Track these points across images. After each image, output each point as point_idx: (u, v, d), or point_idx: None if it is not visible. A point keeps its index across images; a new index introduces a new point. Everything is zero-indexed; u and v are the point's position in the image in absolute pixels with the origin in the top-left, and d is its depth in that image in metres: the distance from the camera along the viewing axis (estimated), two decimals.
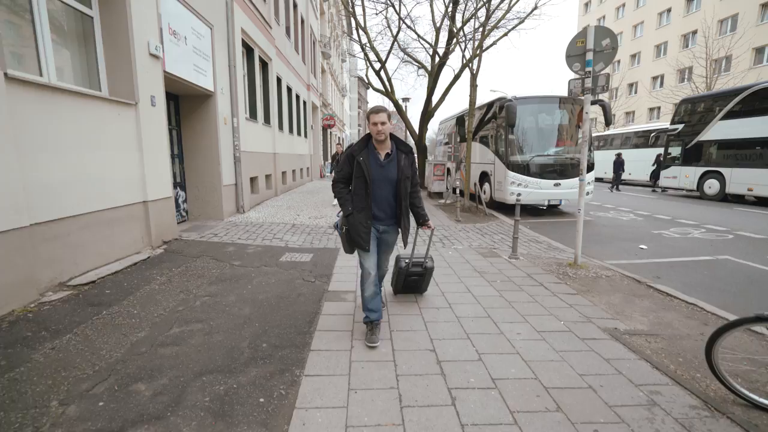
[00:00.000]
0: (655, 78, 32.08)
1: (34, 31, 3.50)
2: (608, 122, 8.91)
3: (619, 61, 36.51)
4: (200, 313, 3.13)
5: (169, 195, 5.40)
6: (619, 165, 16.36)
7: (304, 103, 16.90)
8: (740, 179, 11.57)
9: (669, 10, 30.85)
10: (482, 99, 11.32)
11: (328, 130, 25.60)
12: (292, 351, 2.58)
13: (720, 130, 12.11)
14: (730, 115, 11.76)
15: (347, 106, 46.64)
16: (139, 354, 2.48)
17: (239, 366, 2.37)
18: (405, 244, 2.88)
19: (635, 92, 34.15)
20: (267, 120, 10.45)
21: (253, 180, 9.15)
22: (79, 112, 3.79)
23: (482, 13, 10.43)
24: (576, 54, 4.50)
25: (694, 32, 27.69)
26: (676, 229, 7.65)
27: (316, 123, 20.58)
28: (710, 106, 12.66)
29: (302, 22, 16.36)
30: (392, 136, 2.68)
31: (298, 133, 15.45)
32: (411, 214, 2.86)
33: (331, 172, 8.20)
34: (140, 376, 2.23)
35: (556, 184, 8.93)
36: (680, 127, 13.76)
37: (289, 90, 13.65)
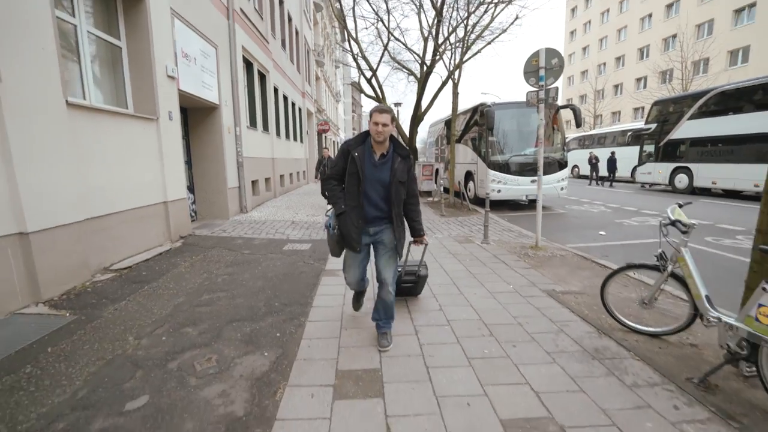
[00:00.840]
0: (638, 79, 33.25)
1: (79, 61, 4.30)
2: (578, 124, 9.73)
3: (604, 64, 37.79)
4: (223, 286, 3.91)
5: (184, 196, 6.18)
6: (612, 163, 17.36)
7: (300, 109, 17.72)
8: (706, 174, 12.49)
9: (650, 15, 32.08)
10: (472, 102, 12.22)
11: (323, 135, 26.42)
12: (298, 307, 3.37)
13: (688, 129, 13.05)
14: (696, 115, 12.70)
15: (341, 110, 47.54)
16: (182, 311, 3.26)
17: (259, 316, 3.16)
18: (400, 255, 2.66)
19: (620, 93, 35.31)
20: (266, 128, 11.26)
21: (254, 183, 9.93)
22: (114, 128, 4.58)
23: (463, 28, 11.34)
24: (531, 71, 5.35)
25: (674, 36, 28.88)
26: (637, 218, 8.51)
27: (311, 128, 21.40)
28: (679, 107, 13.61)
29: (296, 33, 17.22)
30: (392, 139, 2.53)
31: (295, 139, 16.27)
32: (406, 224, 2.69)
33: (316, 178, 9.09)
34: (187, 324, 3.01)
35: (533, 181, 9.77)
36: (653, 126, 14.71)
37: (285, 98, 14.47)
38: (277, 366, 2.42)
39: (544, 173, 9.82)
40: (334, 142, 35.05)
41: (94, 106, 4.31)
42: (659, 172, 14.39)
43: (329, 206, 2.67)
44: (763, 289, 1.97)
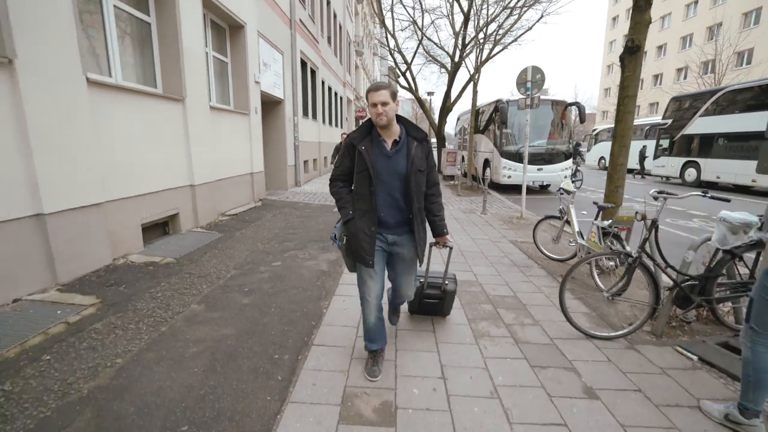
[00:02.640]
0: (679, 70, 32.62)
1: (208, 80, 6.49)
2: (582, 120, 11.21)
3: (646, 52, 37.00)
4: (299, 227, 6.08)
5: (262, 170, 8.44)
6: (642, 155, 18.44)
7: (341, 98, 19.77)
8: (712, 168, 13.44)
9: (696, 2, 31.22)
10: (500, 94, 13.79)
11: (360, 121, 28.44)
12: None
13: (699, 125, 13.95)
14: (707, 112, 13.59)
15: None
16: (280, 236, 5.45)
17: (325, 240, 5.29)
18: (420, 260, 2.24)
19: (660, 83, 34.76)
20: (314, 116, 13.41)
21: (305, 162, 12.16)
22: (228, 120, 6.79)
23: (483, 33, 12.86)
24: (521, 82, 7.04)
25: (719, 24, 28.23)
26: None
27: (350, 115, 23.47)
28: (694, 103, 14.45)
29: (340, 28, 19.11)
30: (401, 119, 2.11)
31: (336, 125, 18.39)
32: (426, 222, 2.25)
33: (332, 164, 8.24)
34: (285, 240, 5.18)
35: (539, 169, 11.37)
36: (669, 122, 15.58)
37: (330, 89, 16.54)
38: (340, 259, 4.51)
39: (552, 162, 11.46)
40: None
41: (219, 107, 6.53)
42: (672, 165, 15.35)
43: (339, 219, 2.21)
44: (593, 222, 3.81)
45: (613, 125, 4.51)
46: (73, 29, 3.37)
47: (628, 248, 3.53)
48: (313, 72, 13.16)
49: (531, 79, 6.87)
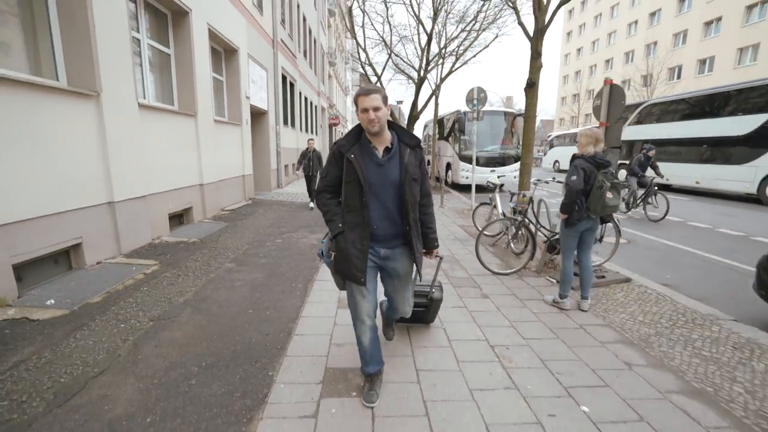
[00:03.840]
0: (624, 82, 36.10)
1: (215, 96, 7.72)
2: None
3: (595, 66, 40.54)
4: (289, 218, 7.40)
5: (251, 172, 9.67)
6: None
7: (316, 107, 21.07)
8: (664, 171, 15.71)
9: (636, 22, 34.79)
10: (460, 104, 15.58)
11: (333, 128, 29.76)
12: None
13: (628, 133, 16.25)
14: (633, 122, 15.91)
15: (349, 102, 50.64)
16: (275, 224, 6.76)
17: (311, 226, 6.65)
18: (420, 275, 2.17)
19: (592, 97, 38.16)
20: (293, 125, 14.68)
21: (286, 167, 13.39)
22: (226, 131, 8.03)
23: (451, 45, 14.64)
24: (470, 99, 8.69)
25: (655, 43, 31.71)
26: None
27: (324, 122, 24.77)
28: (625, 114, 16.79)
29: (314, 42, 20.47)
30: (392, 125, 1.95)
31: (313, 132, 19.66)
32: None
33: (298, 170, 8.72)
34: (280, 227, 6.51)
35: (492, 171, 13.15)
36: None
37: (306, 99, 17.84)
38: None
39: (504, 165, 13.30)
40: (341, 133, 38.32)
41: (220, 119, 7.77)
42: None
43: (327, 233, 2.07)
44: (509, 203, 5.40)
45: (566, 131, 6.12)
46: (130, 65, 4.63)
47: (522, 218, 5.13)
48: (292, 85, 14.45)
49: (477, 97, 8.53)
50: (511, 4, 6.03)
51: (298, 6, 15.42)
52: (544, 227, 4.52)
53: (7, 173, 3.14)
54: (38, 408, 1.98)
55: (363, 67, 18.93)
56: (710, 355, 2.71)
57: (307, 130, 18.18)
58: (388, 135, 1.93)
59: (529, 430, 1.93)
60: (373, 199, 1.90)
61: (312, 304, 3.40)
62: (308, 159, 8.54)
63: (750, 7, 24.51)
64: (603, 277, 4.23)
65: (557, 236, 4.36)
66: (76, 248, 4.00)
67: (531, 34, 5.30)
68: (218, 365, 2.42)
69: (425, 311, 2.85)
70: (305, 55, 17.69)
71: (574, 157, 3.31)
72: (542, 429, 1.94)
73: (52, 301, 3.21)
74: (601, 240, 4.44)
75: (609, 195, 3.09)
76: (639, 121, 15.70)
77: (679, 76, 29.43)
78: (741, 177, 11.20)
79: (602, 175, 3.13)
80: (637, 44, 34.33)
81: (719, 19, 26.41)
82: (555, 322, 3.19)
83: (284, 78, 13.30)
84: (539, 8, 5.09)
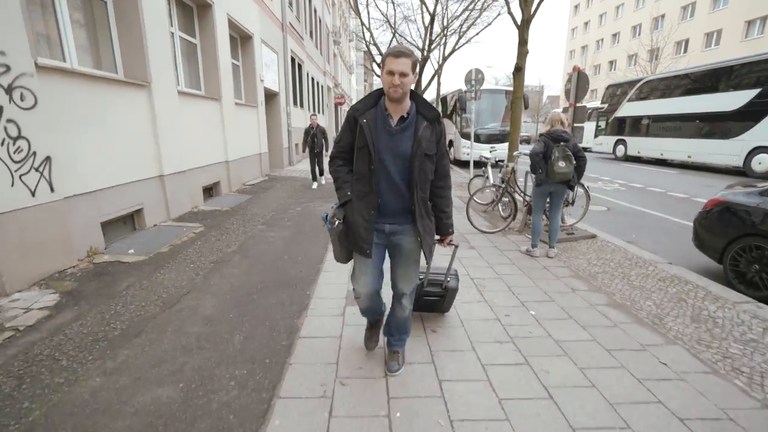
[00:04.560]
0: (630, 56, 35.77)
1: (235, 80, 8.45)
2: (526, 107, 13.64)
3: (602, 40, 40.00)
4: (304, 191, 8.25)
5: (267, 151, 10.48)
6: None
7: (322, 87, 21.58)
8: (635, 145, 16.28)
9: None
10: (462, 84, 16.10)
11: (339, 107, 30.21)
12: None
13: (626, 109, 16.71)
14: (631, 98, 16.33)
15: (354, 81, 50.61)
16: (292, 196, 7.63)
17: (326, 197, 7.50)
18: (427, 258, 1.98)
19: (614, 69, 37.90)
20: (302, 105, 15.35)
21: (296, 145, 14.16)
22: (245, 112, 8.80)
23: (454, 24, 15.04)
24: (468, 80, 9.32)
25: (663, 16, 31.25)
26: None
27: (330, 101, 25.27)
28: (623, 90, 17.18)
29: (319, 21, 20.78)
30: (413, 95, 1.81)
31: (320, 111, 20.27)
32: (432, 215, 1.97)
33: (304, 151, 7.92)
34: (298, 198, 7.38)
35: (492, 149, 13.79)
36: (606, 106, 18.34)
37: (313, 79, 18.39)
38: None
39: (504, 142, 13.93)
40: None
41: (239, 102, 8.53)
42: (607, 143, 18.18)
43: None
44: (498, 175, 6.19)
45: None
46: (171, 57, 5.40)
47: (506, 185, 5.90)
48: (299, 66, 15.03)
49: (475, 78, 9.16)
50: None
51: None
52: (525, 194, 5.33)
53: (91, 150, 4.00)
54: (155, 310, 2.91)
55: (367, 47, 19.33)
56: (638, 284, 3.57)
57: (315, 110, 18.80)
58: (407, 104, 1.79)
59: (489, 323, 2.82)
60: (381, 170, 1.78)
61: (330, 256, 4.30)
62: (312, 136, 8.44)
63: None
64: (572, 234, 5.06)
65: None
66: (139, 212, 4.90)
67: (519, 23, 5.94)
68: (269, 288, 3.33)
69: (440, 301, 2.74)
70: (311, 35, 18.11)
71: (540, 135, 4.11)
72: (499, 323, 2.82)
73: (132, 251, 4.13)
74: (573, 203, 5.24)
75: (560, 164, 3.88)
76: (635, 98, 16.12)
77: (685, 50, 29.21)
78: (729, 151, 11.78)
79: (556, 149, 3.91)
80: (644, 17, 33.80)
81: None
82: (525, 265, 4.06)
83: (293, 60, 13.89)
84: (525, 1, 5.72)
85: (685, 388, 2.11)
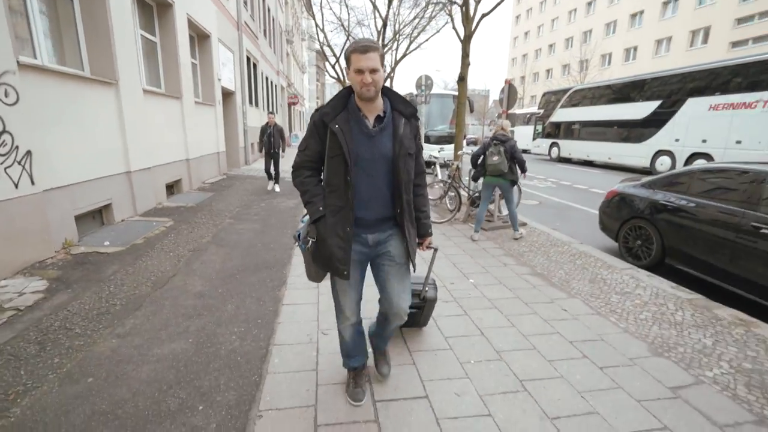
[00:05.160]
0: (564, 66, 39.15)
1: (195, 79, 8.53)
2: (471, 110, 14.84)
3: (540, 50, 43.28)
4: (262, 191, 8.56)
5: (224, 150, 10.58)
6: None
7: (276, 86, 21.54)
8: (566, 148, 18.17)
9: (575, 10, 37.54)
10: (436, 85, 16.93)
11: (292, 107, 30.10)
12: None
13: (559, 115, 18.58)
14: (563, 105, 18.21)
15: (306, 81, 50.28)
16: (254, 192, 7.92)
17: (288, 194, 7.90)
18: (413, 265, 1.86)
19: (550, 77, 41.22)
20: (257, 104, 15.39)
21: (252, 144, 14.22)
22: (203, 111, 8.91)
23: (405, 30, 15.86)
24: (419, 85, 10.12)
25: (591, 30, 34.61)
26: None
27: (283, 101, 25.19)
28: (556, 97, 19.07)
29: (273, 20, 20.74)
30: (385, 90, 1.69)
31: (275, 111, 20.26)
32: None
33: (260, 151, 8.33)
34: (260, 194, 7.69)
35: (440, 149, 14.81)
36: (542, 111, 20.21)
37: (267, 79, 18.38)
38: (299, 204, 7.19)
39: (449, 143, 15.02)
40: (300, 112, 38.47)
41: (198, 101, 8.62)
42: (543, 146, 20.05)
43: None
44: (446, 172, 6.98)
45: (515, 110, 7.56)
46: (135, 55, 5.57)
47: (451, 181, 6.71)
48: (255, 65, 15.06)
49: (424, 84, 9.98)
50: (447, 12, 7.42)
51: None
52: (467, 188, 6.15)
53: (64, 145, 4.17)
54: (148, 289, 3.26)
55: (321, 47, 19.67)
56: (555, 259, 4.45)
57: (269, 109, 18.79)
58: (380, 102, 1.66)
59: (438, 289, 3.50)
60: (361, 177, 1.63)
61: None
62: (269, 135, 8.06)
63: (666, 3, 27.69)
64: (507, 222, 5.95)
65: (477, 194, 6.02)
66: (108, 207, 5.05)
67: (462, 38, 6.77)
68: (249, 270, 3.77)
69: (418, 313, 2.52)
70: (265, 34, 18.10)
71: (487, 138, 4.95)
72: (446, 289, 3.51)
73: (108, 243, 4.34)
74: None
75: (494, 158, 4.71)
76: (566, 105, 18.01)
77: (609, 63, 32.64)
78: (639, 153, 13.69)
79: (492, 147, 4.74)
80: (575, 31, 37.19)
81: (642, 12, 29.53)
82: (467, 247, 4.82)
83: (248, 59, 13.93)
84: (467, 19, 6.55)
85: (577, 324, 2.91)
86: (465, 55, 6.78)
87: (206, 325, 2.70)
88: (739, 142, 10.41)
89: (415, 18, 15.84)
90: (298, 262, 4.03)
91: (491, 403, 2.02)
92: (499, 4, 6.75)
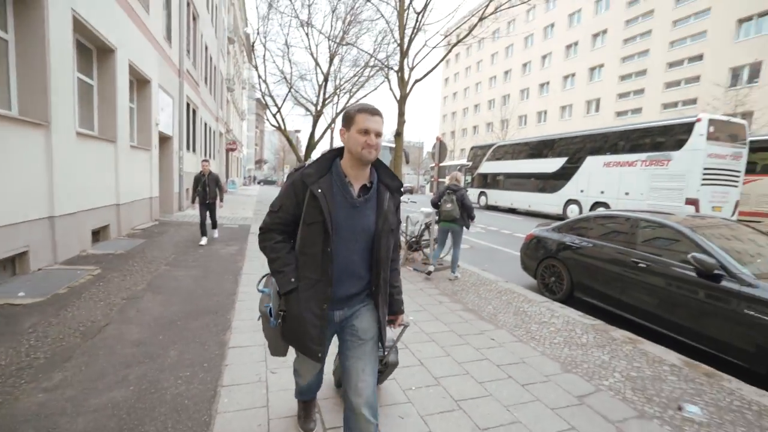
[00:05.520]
0: (488, 123, 43.84)
1: (131, 119, 8.32)
2: (407, 161, 15.96)
3: (466, 108, 48.11)
4: (199, 238, 8.31)
5: (158, 195, 10.15)
6: None
7: (215, 132, 21.33)
8: (492, 197, 20.01)
9: (494, 77, 42.93)
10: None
11: (230, 153, 29.70)
12: (245, 236, 8.04)
13: (485, 167, 20.61)
14: (488, 159, 20.30)
15: (245, 127, 50.15)
16: (190, 238, 7.65)
17: (227, 241, 7.75)
18: (384, 348, 1.79)
19: (477, 133, 45.73)
20: (194, 149, 15.09)
21: (187, 190, 13.73)
22: (138, 155, 8.62)
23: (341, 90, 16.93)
24: None
25: (508, 95, 39.57)
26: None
27: (221, 147, 24.85)
28: (482, 152, 21.23)
29: (214, 69, 20.98)
30: (374, 161, 1.57)
31: (212, 156, 19.87)
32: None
33: (194, 202, 7.66)
34: (196, 241, 7.46)
35: None
36: (470, 163, 22.25)
37: (206, 125, 18.22)
38: (244, 245, 7.10)
39: None
40: (238, 158, 37.92)
41: (134, 145, 8.36)
42: (473, 195, 21.85)
43: (265, 275, 1.72)
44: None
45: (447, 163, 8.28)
46: (73, 99, 5.44)
47: None
48: (194, 111, 14.96)
49: None
50: (384, 75, 8.30)
51: (202, 35, 16.15)
52: (407, 234, 6.61)
53: None
54: (77, 340, 3.07)
55: (263, 97, 20.11)
56: (484, 296, 4.93)
57: (207, 155, 18.43)
58: (367, 170, 1.57)
59: None
60: (339, 249, 1.50)
61: (245, 285, 4.77)
62: (203, 184, 7.34)
63: (567, 77, 32.95)
64: (442, 264, 6.44)
65: (414, 239, 6.50)
66: (22, 256, 4.64)
67: (397, 99, 7.59)
68: (191, 316, 3.70)
69: (379, 376, 2.29)
70: (206, 81, 18.20)
71: (444, 187, 5.56)
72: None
73: (23, 293, 3.98)
74: (437, 241, 6.69)
75: (447, 206, 5.31)
76: (491, 158, 20.11)
77: (525, 123, 37.29)
78: (553, 202, 15.56)
79: (447, 195, 5.32)
80: (496, 95, 42.30)
81: (548, 82, 34.73)
82: (406, 288, 5.13)
83: (188, 105, 13.85)
84: (402, 82, 7.42)
85: (503, 351, 3.29)
86: (401, 113, 7.57)
87: (148, 372, 2.63)
88: (627, 193, 12.41)
89: (354, 76, 17.06)
90: (242, 307, 4.03)
91: (431, 421, 2.25)
92: (429, 72, 7.76)
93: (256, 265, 5.83)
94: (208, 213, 7.49)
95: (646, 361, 3.13)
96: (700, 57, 24.65)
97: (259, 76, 19.82)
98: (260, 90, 20.46)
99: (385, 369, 2.32)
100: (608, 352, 3.30)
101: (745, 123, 11.36)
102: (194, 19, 14.47)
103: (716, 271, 3.31)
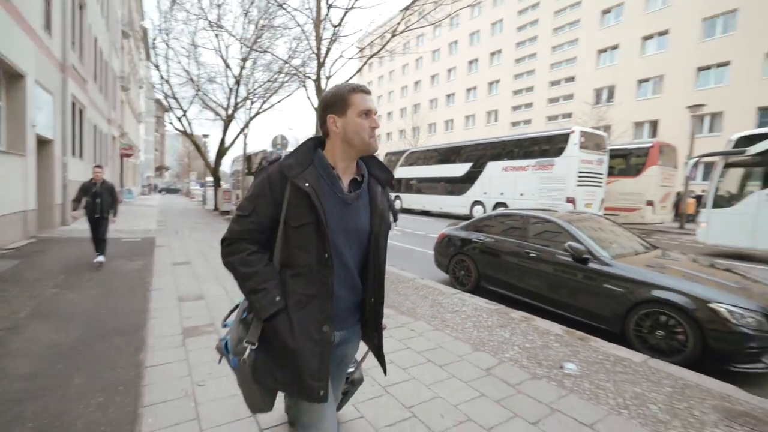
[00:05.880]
0: (401, 131, 45.81)
1: None
2: None
3: (391, 112, 49.66)
4: (88, 252, 7.40)
5: (35, 207, 8.74)
6: None
7: (106, 136, 18.90)
8: (407, 200, 21.07)
9: (417, 82, 45.14)
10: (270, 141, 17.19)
11: (125, 159, 26.53)
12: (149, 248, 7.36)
13: (399, 172, 21.60)
14: (401, 164, 21.33)
15: (143, 131, 45.16)
16: (82, 257, 6.77)
17: (129, 255, 7.02)
18: (384, 369, 1.57)
19: (379, 141, 47.48)
20: (81, 155, 13.25)
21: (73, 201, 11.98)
22: (5, 161, 7.35)
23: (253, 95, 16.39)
24: (275, 144, 10.66)
25: (418, 103, 41.92)
26: None
27: (114, 153, 22.08)
28: (396, 158, 22.22)
29: (106, 65, 18.63)
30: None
31: (104, 163, 17.57)
32: None
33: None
34: (89, 259, 6.63)
35: None
36: None
37: (95, 127, 16.09)
38: (148, 262, 6.51)
39: None
40: (134, 165, 34.01)
41: (2, 149, 7.11)
42: None
43: (232, 310, 1.45)
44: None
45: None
46: None
47: None
48: (81, 112, 13.15)
49: (280, 143, 10.58)
50: (301, 83, 8.35)
51: (90, 27, 14.29)
52: None
53: None
54: None
55: (166, 100, 18.47)
56: (403, 293, 5.28)
57: (97, 161, 16.27)
58: (355, 164, 1.36)
59: None
60: (334, 257, 1.25)
61: (157, 301, 4.45)
62: (93, 194, 6.23)
63: (469, 90, 36.16)
64: None
65: None
66: None
67: (315, 107, 7.69)
68: (95, 340, 3.37)
69: (344, 399, 1.94)
70: (95, 78, 16.11)
71: None
72: None
73: None
74: None
75: None
76: (405, 164, 21.19)
77: (434, 131, 39.89)
78: (461, 204, 16.98)
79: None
80: (407, 103, 44.52)
81: (453, 94, 37.70)
82: None
83: (73, 104, 12.15)
84: (319, 91, 7.55)
85: (422, 339, 3.63)
86: (319, 121, 7.67)
87: (48, 405, 2.38)
88: (522, 194, 14.15)
89: (268, 80, 16.59)
90: (157, 324, 3.78)
91: (362, 408, 2.44)
92: (347, 81, 7.97)
93: (167, 280, 5.44)
94: (98, 230, 6.35)
95: (537, 334, 3.74)
96: (573, 78, 29.18)
97: (162, 77, 18.19)
98: (162, 91, 18.80)
99: (350, 388, 1.93)
100: (509, 330, 3.86)
101: (605, 135, 13.82)
102: (81, 8, 12.80)
103: (585, 256, 4.09)
